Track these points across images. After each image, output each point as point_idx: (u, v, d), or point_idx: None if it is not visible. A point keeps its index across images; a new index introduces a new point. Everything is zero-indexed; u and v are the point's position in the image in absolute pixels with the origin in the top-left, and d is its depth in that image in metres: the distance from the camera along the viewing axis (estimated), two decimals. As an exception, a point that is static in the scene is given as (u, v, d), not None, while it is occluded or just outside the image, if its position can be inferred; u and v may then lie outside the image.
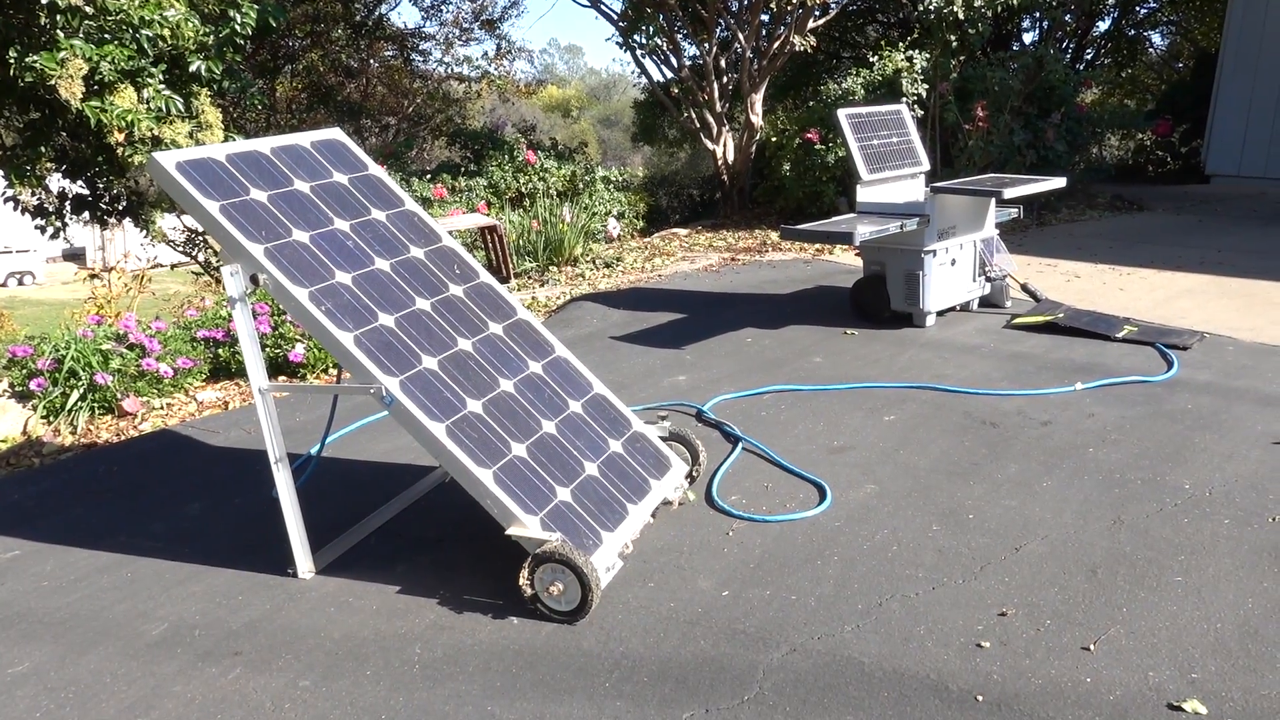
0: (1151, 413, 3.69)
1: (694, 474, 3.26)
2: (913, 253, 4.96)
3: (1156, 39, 17.57)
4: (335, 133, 3.31)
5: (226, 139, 7.53)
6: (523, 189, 9.48)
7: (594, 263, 7.78)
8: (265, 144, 3.01)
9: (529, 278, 7.52)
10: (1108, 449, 3.37)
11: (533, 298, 6.61)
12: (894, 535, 2.85)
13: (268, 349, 5.00)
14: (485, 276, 3.28)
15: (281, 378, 4.97)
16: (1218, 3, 12.88)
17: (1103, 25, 15.00)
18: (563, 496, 2.72)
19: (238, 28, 6.94)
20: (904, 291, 5.08)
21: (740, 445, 3.62)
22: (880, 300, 5.18)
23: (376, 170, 3.29)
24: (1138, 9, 14.76)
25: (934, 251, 4.94)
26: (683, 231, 9.61)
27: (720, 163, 10.84)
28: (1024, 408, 3.83)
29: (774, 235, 8.73)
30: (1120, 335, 4.68)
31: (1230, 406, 3.71)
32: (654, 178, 17.50)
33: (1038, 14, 13.49)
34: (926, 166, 5.48)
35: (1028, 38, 14.32)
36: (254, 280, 2.65)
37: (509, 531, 2.56)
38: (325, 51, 13.27)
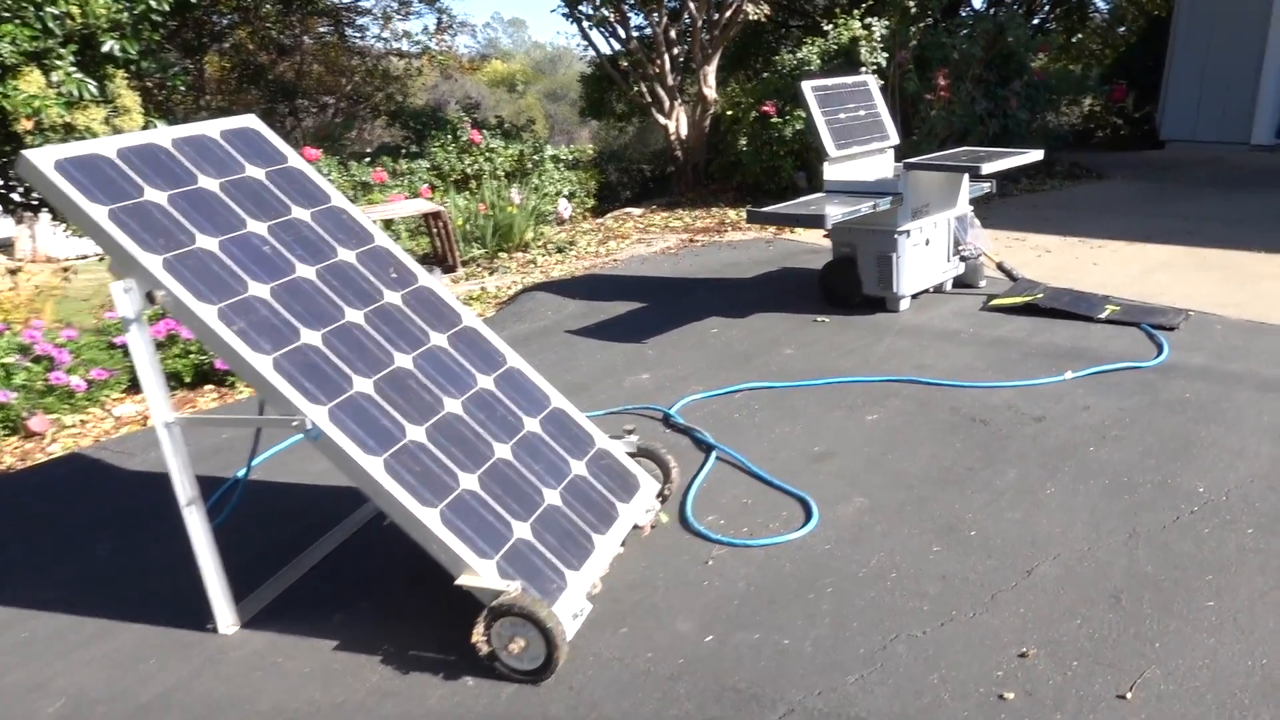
0: (1149, 403, 3.46)
1: (666, 492, 2.95)
2: (885, 233, 4.68)
3: (1100, 3, 17.49)
4: (250, 120, 2.91)
5: (147, 125, 6.99)
6: (468, 170, 9.04)
7: (546, 248, 7.41)
8: (165, 135, 2.61)
9: (478, 266, 7.13)
10: (1109, 447, 3.13)
11: (482, 288, 6.23)
12: (891, 559, 2.58)
13: (192, 355, 4.57)
14: (426, 279, 2.92)
15: (209, 387, 4.56)
16: (1168, -35, 12.76)
17: (1051, -10, 14.86)
18: (521, 533, 2.39)
19: (153, 3, 6.42)
20: (876, 275, 4.80)
21: (714, 454, 3.32)
22: (852, 284, 4.90)
23: (299, 162, 2.90)
24: (1086, -28, 14.65)
25: (907, 232, 4.67)
26: (637, 211, 9.26)
27: (673, 138, 10.48)
28: (1014, 401, 3.58)
29: (732, 214, 8.41)
30: (1103, 316, 4.45)
31: (1230, 393, 3.49)
32: (603, 153, 17.08)
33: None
34: (895, 140, 5.19)
35: (977, 3, 14.13)
36: (150, 298, 2.26)
37: (460, 581, 2.23)
38: (254, 28, 12.60)
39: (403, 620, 2.47)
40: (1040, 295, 4.77)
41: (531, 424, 2.75)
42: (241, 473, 3.39)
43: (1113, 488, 2.86)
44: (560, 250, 7.28)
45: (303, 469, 3.42)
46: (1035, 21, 14.52)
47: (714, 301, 5.33)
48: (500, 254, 7.33)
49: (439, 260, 7.23)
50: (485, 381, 2.75)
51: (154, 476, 3.47)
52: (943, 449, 3.22)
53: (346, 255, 2.75)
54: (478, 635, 2.17)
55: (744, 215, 8.23)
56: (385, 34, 15.15)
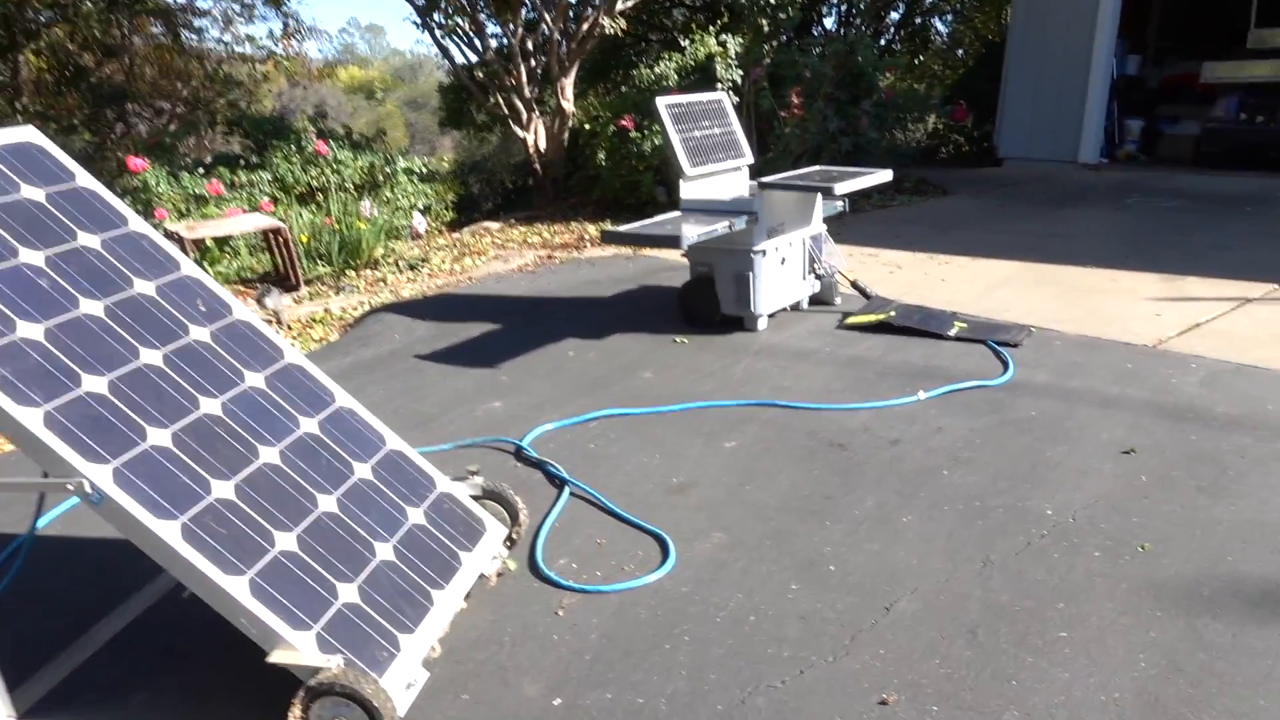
0: (999, 423, 3.50)
1: (514, 536, 2.76)
2: (742, 253, 4.63)
3: (941, 27, 18.38)
4: (28, 133, 2.55)
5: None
6: (314, 183, 8.57)
7: (397, 265, 7.07)
8: (-84, 149, 2.24)
9: (323, 284, 6.72)
10: (962, 470, 3.13)
11: (325, 309, 5.86)
12: (750, 600, 2.46)
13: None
14: (241, 312, 2.63)
15: None
16: (1001, -8, 13.48)
17: (895, 14, 15.50)
18: (347, 597, 2.15)
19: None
20: (734, 294, 4.75)
21: (567, 489, 3.14)
22: (710, 304, 4.83)
23: (89, 181, 2.57)
24: (926, -3, 15.33)
25: (764, 251, 4.63)
26: (495, 226, 9.01)
27: (532, 150, 10.29)
28: (870, 424, 3.56)
29: (591, 229, 8.29)
30: (952, 334, 4.53)
31: (1073, 411, 3.58)
32: (464, 164, 16.70)
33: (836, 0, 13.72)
34: (750, 159, 5.17)
35: (829, 23, 14.56)
36: (-115, 344, 1.91)
37: (273, 658, 1.97)
38: (75, 26, 11.64)
39: (213, 699, 2.19)
40: (893, 313, 4.82)
41: (362, 470, 2.51)
42: (22, 538, 2.99)
43: (966, 513, 2.84)
44: (412, 268, 6.97)
45: (100, 525, 3.04)
46: (882, 43, 15.10)
47: (572, 322, 5.17)
48: (348, 272, 6.95)
49: (280, 279, 6.79)
50: (309, 425, 2.49)
51: (-74, 538, 3.03)
52: (801, 476, 3.15)
53: (144, 287, 2.44)
54: (294, 718, 1.92)
55: (608, 228, 8.11)
56: (226, 37, 14.33)
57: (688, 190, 4.77)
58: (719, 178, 4.99)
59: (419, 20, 9.51)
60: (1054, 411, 3.59)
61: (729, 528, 2.84)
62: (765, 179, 4.61)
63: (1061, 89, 11.14)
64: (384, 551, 2.34)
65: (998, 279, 5.79)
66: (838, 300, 5.29)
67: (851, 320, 4.84)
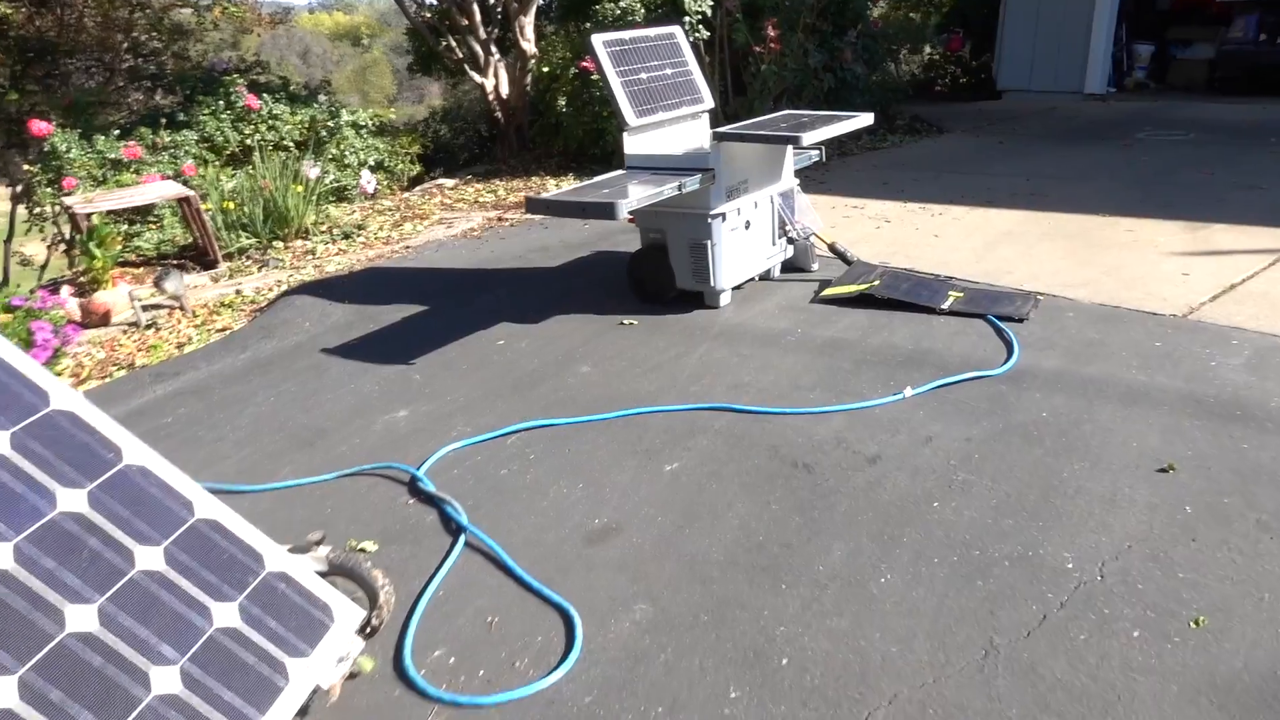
0: (1001, 429, 2.85)
1: (375, 623, 2.13)
2: (697, 217, 3.94)
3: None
4: None
5: None
6: (248, 142, 7.81)
7: (331, 233, 6.36)
8: None
9: (247, 259, 6.02)
10: (957, 500, 2.49)
11: (238, 290, 5.17)
12: (672, 718, 1.84)
13: None
14: (-15, 345, 1.96)
15: None
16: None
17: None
18: (87, 767, 1.52)
19: None
20: (690, 266, 4.06)
21: (463, 539, 2.51)
22: (663, 277, 4.15)
23: None
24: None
25: (723, 215, 3.94)
26: (449, 183, 8.27)
27: (493, 98, 9.50)
28: (844, 433, 2.90)
29: (552, 184, 7.55)
30: (946, 306, 3.86)
31: (1092, 410, 2.92)
32: (438, 113, 15.85)
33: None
34: (710, 104, 4.44)
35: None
36: None
37: None
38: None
39: None
40: (877, 282, 4.14)
41: (149, 558, 1.86)
42: None
43: (963, 568, 2.21)
44: (347, 236, 6.26)
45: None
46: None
47: (509, 301, 4.49)
48: (275, 243, 6.24)
49: (200, 255, 6.09)
50: (71, 500, 1.84)
51: None
52: (755, 513, 2.51)
53: None
54: None
55: (565, 185, 7.38)
56: (165, -17, 13.35)
57: (633, 144, 4.05)
58: (672, 128, 4.27)
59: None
60: (1069, 411, 2.93)
61: (657, 595, 2.21)
62: (722, 129, 3.90)
63: (1065, 13, 10.27)
64: (165, 679, 1.70)
65: (998, 233, 5.09)
66: (815, 266, 4.60)
67: (829, 292, 4.16)
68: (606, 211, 3.35)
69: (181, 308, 4.91)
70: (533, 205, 3.58)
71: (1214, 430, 2.74)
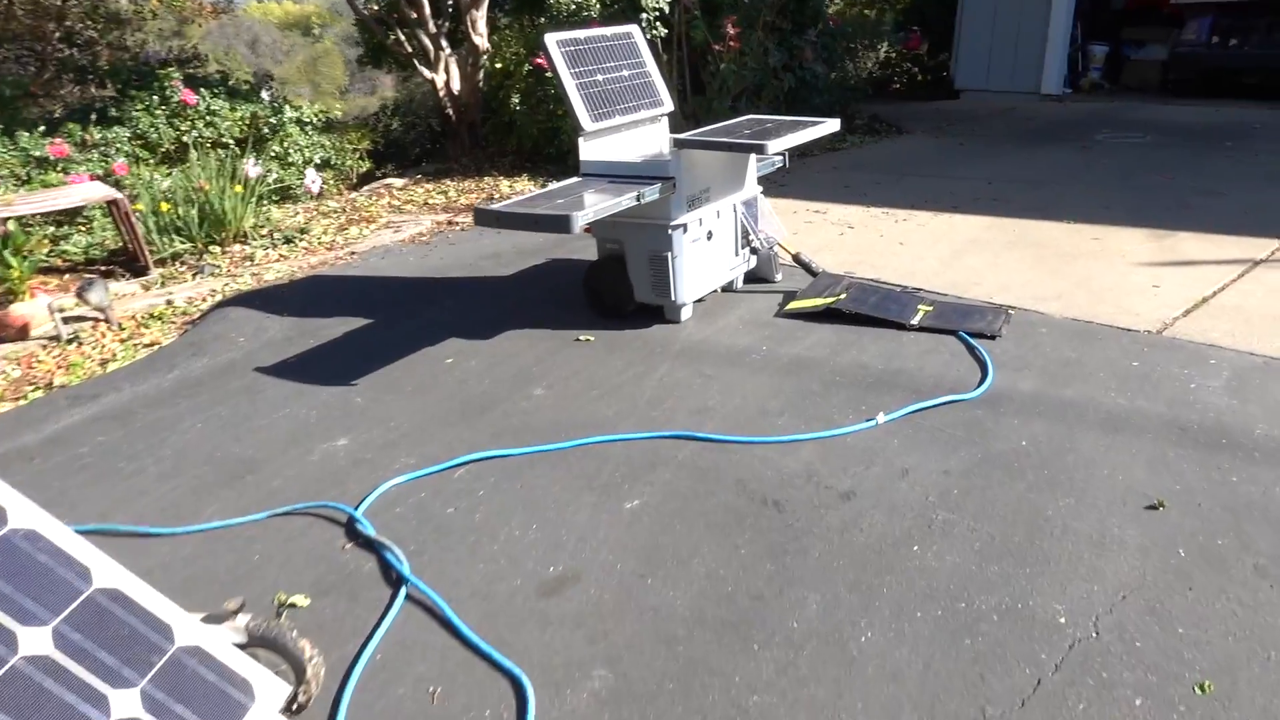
0: (980, 460, 2.70)
1: (302, 699, 1.90)
2: (657, 228, 3.74)
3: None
4: None
5: None
6: (185, 139, 7.44)
7: (272, 237, 6.05)
8: None
9: (181, 265, 5.70)
10: (939, 543, 2.32)
11: (168, 301, 4.86)
12: (636, 810, 1.65)
13: None
14: None
15: None
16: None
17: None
18: None
19: None
20: (650, 279, 3.86)
21: (404, 591, 2.29)
22: (621, 290, 3.95)
23: None
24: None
25: (684, 225, 3.74)
26: (399, 183, 7.98)
27: (443, 94, 9.20)
28: (815, 465, 2.73)
29: (505, 185, 7.30)
30: (916, 322, 3.71)
31: (1074, 438, 2.78)
32: (390, 106, 15.46)
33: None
34: (669, 107, 4.24)
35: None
36: None
37: None
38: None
39: None
40: (843, 295, 3.98)
41: (34, 640, 1.62)
42: None
43: (948, 623, 2.04)
44: (288, 241, 5.96)
45: None
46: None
47: (458, 314, 4.26)
48: (212, 248, 5.91)
49: (131, 260, 5.75)
50: (-60, 577, 1.59)
51: None
52: (723, 558, 2.32)
53: None
54: None
55: (519, 187, 7.15)
56: (101, -30, 12.81)
57: (589, 149, 3.84)
58: (630, 132, 4.06)
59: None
60: (1050, 439, 2.79)
61: (617, 658, 2.01)
62: (683, 136, 3.70)
63: (1022, 12, 10.24)
64: (47, 789, 1.47)
65: (964, 240, 4.96)
66: (779, 276, 4.43)
67: (794, 306, 3.99)
68: (561, 225, 3.14)
69: (107, 320, 4.59)
70: (481, 217, 3.35)
71: (1200, 461, 2.62)
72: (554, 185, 3.74)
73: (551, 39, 3.75)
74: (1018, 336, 3.58)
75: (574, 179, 3.84)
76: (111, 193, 5.41)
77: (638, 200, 3.45)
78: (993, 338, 3.55)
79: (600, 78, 3.90)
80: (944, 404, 3.04)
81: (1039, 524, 2.37)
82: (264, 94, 8.74)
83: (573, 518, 2.55)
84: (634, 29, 4.22)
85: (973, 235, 5.05)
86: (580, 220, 3.16)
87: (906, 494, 2.55)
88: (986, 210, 5.57)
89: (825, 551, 2.32)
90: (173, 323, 4.59)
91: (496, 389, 3.42)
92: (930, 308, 3.85)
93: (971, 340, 3.53)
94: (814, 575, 2.24)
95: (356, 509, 2.65)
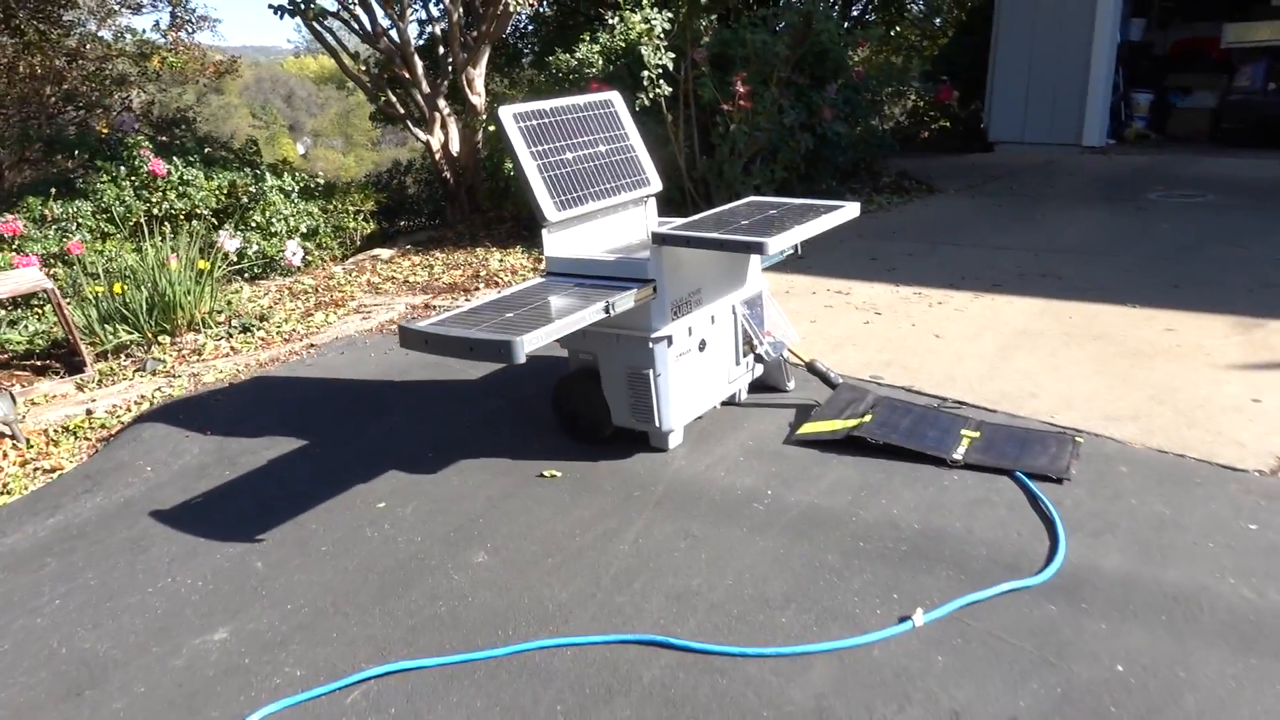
0: (1059, 699, 1.94)
1: None
2: (636, 340, 3.05)
3: (917, -5, 16.69)
4: None
5: None
6: (155, 212, 6.91)
7: (230, 325, 5.44)
8: None
9: (126, 359, 5.09)
10: None
11: (88, 411, 4.22)
12: None
13: None
14: None
15: None
16: (984, -49, 11.83)
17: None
18: None
19: None
20: (629, 400, 3.16)
21: None
22: (596, 412, 3.25)
23: None
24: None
25: (669, 337, 3.04)
26: (385, 254, 7.39)
27: (440, 156, 8.66)
28: (829, 700, 1.98)
29: (496, 259, 6.68)
30: (960, 456, 2.96)
31: (1189, 659, 2.02)
32: (401, 165, 15.05)
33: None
34: (656, 187, 3.58)
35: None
36: None
37: None
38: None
39: None
40: (868, 417, 3.24)
41: None
42: None
43: None
44: (245, 330, 5.33)
45: None
46: (854, 13, 13.44)
47: (406, 433, 3.58)
48: (163, 337, 5.31)
49: (69, 354, 5.16)
50: None
51: None
52: None
53: None
54: None
55: (509, 262, 6.51)
56: (103, 31, 12.57)
57: (554, 243, 3.17)
58: (607, 219, 3.39)
59: (285, 4, 7.78)
60: (1154, 661, 2.02)
61: None
62: (664, 229, 3.01)
63: (1060, 59, 9.55)
64: None
65: (1012, 331, 4.22)
66: (790, 384, 3.71)
67: (808, 430, 3.26)
68: (502, 354, 2.45)
69: (13, 437, 3.97)
70: (407, 338, 2.68)
71: (1379, 707, 1.84)
72: (509, 290, 3.07)
73: (507, 112, 3.10)
74: (1091, 478, 2.82)
75: (534, 281, 3.16)
76: (40, 283, 4.82)
77: (606, 312, 2.76)
78: (1059, 481, 2.80)
79: (569, 155, 3.25)
80: (1002, 594, 2.29)
81: (1158, 831, 1.61)
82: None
83: (487, 790, 1.82)
84: (614, 96, 3.57)
85: (1021, 325, 4.31)
86: (527, 346, 2.47)
87: (958, 762, 1.79)
88: (1035, 290, 4.83)
89: None
90: (87, 439, 3.95)
91: (429, 551, 2.71)
92: (976, 434, 3.11)
93: (1032, 485, 2.77)
94: None
95: (196, 769, 1.94)
